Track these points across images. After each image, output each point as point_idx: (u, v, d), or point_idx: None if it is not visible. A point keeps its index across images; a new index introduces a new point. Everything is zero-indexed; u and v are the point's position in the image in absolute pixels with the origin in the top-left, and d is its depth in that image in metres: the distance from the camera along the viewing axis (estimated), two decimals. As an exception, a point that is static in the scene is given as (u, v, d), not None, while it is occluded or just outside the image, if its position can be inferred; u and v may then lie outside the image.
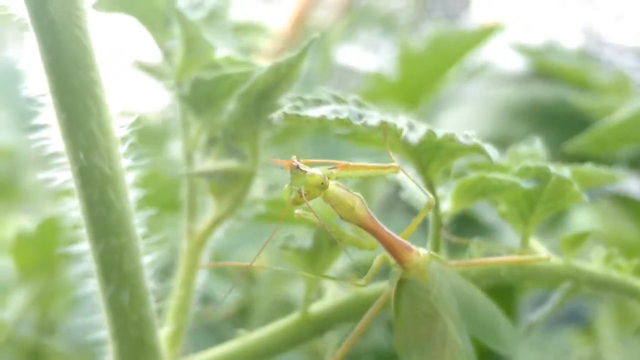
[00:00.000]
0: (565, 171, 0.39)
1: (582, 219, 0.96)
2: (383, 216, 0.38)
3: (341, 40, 1.12)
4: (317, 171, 0.33)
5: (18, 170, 0.89)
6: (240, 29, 1.00)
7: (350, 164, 0.34)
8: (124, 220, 0.35)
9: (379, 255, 0.37)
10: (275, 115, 0.34)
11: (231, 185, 0.40)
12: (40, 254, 0.53)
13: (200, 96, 0.39)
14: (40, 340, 0.68)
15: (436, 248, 0.40)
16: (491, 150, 0.37)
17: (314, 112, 0.34)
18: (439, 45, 0.90)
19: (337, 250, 0.39)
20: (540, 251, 0.42)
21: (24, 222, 0.56)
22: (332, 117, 0.33)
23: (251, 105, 0.38)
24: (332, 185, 0.34)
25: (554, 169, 0.38)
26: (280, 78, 0.38)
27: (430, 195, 0.37)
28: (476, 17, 1.40)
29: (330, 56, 0.99)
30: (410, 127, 0.35)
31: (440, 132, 0.35)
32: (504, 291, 0.68)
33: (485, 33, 0.91)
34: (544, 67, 0.87)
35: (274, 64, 0.38)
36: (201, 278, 0.42)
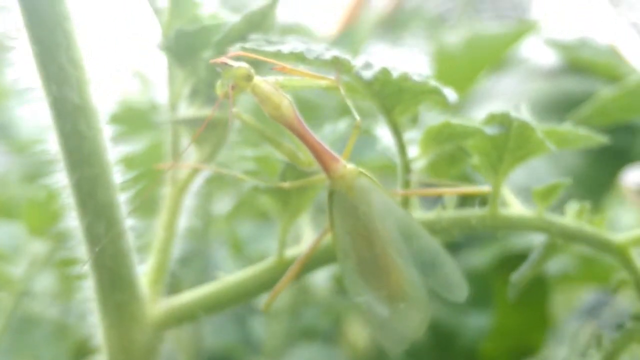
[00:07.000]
0: (525, 115, 0.40)
1: (629, 218, 0.97)
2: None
3: (380, 40, 1.13)
4: (244, 64, 0.35)
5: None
6: (287, 32, 1.03)
7: (288, 66, 0.36)
8: (96, 151, 0.37)
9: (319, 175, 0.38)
10: (233, 48, 0.36)
11: (210, 133, 0.42)
12: (50, 217, 0.56)
13: (182, 47, 0.42)
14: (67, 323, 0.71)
15: (405, 193, 0.41)
16: (449, 93, 0.38)
17: (271, 48, 0.36)
18: (474, 44, 0.92)
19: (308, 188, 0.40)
20: (513, 202, 0.43)
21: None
22: (286, 50, 0.35)
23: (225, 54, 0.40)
24: (259, 79, 0.35)
25: (516, 114, 0.39)
26: (252, 26, 0.40)
27: (358, 117, 0.37)
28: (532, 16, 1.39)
29: (358, 52, 1.00)
30: (367, 65, 0.37)
31: (395, 72, 0.37)
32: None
33: (519, 33, 0.92)
34: (577, 62, 0.86)
35: (246, 13, 0.40)
36: (183, 222, 0.44)
